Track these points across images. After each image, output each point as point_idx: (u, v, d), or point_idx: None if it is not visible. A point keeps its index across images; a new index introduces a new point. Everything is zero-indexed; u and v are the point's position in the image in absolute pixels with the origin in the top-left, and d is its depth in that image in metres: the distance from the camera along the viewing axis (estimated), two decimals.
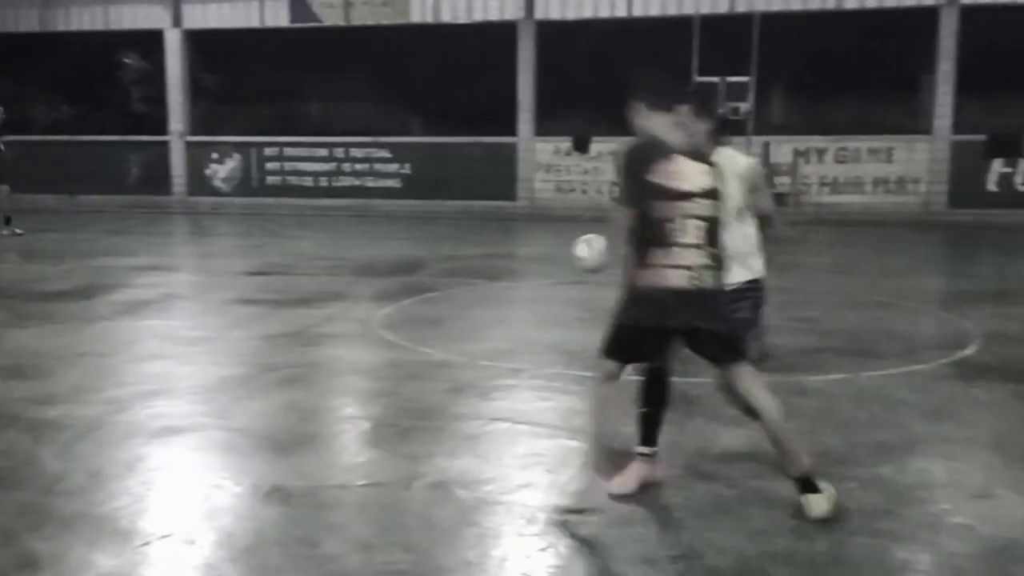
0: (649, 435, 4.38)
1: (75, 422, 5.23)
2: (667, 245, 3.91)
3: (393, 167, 17.08)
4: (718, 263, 4.00)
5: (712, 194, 4.01)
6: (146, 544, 3.79)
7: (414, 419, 5.24)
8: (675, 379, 4.41)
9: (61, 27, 19.13)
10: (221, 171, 18.03)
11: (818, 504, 3.93)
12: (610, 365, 4.07)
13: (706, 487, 4.33)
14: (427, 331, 7.46)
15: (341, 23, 17.45)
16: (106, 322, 7.97)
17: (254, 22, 17.97)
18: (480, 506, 4.15)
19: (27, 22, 19.28)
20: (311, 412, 5.47)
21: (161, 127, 18.77)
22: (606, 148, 13.77)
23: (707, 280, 3.94)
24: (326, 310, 7.97)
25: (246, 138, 18.04)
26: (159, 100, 18.78)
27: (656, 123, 4.08)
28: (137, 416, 5.38)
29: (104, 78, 19.01)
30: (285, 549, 3.73)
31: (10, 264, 11.27)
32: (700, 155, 4.07)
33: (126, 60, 19.06)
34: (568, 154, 16.27)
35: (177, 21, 18.44)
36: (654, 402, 4.37)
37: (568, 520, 3.92)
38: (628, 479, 4.27)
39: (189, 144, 18.56)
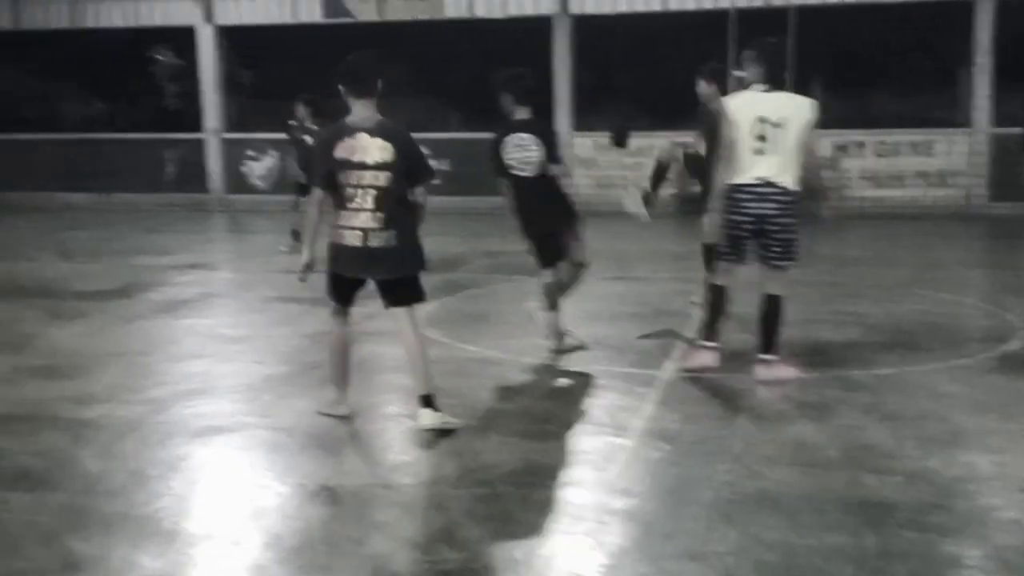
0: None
1: (115, 422, 5.21)
2: None
3: (432, 163, 17.07)
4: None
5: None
6: (190, 545, 3.75)
7: (459, 416, 5.17)
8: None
9: (92, 23, 19.24)
10: (257, 168, 18.08)
11: (429, 417, 4.89)
12: None
13: (753, 483, 4.25)
14: (470, 328, 7.39)
15: (375, 18, 17.43)
16: (144, 321, 7.96)
17: (287, 18, 17.98)
18: (527, 504, 4.09)
19: (57, 19, 19.41)
20: (356, 410, 5.41)
21: (196, 124, 18.84)
22: (646, 143, 13.60)
23: None
24: (367, 308, 7.88)
25: (283, 135, 18.04)
26: (193, 96, 18.85)
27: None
28: (178, 415, 5.35)
29: (137, 75, 19.12)
30: (332, 549, 3.68)
31: (47, 263, 11.33)
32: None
33: (159, 56, 19.16)
34: (608, 149, 16.14)
35: (209, 17, 18.50)
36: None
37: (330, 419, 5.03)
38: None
39: (225, 141, 18.61)
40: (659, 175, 7.49)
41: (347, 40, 17.88)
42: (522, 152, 6.30)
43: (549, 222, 6.41)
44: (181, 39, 18.80)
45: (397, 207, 4.90)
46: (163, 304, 8.60)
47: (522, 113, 6.39)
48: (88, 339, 7.23)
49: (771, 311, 5.80)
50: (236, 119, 18.53)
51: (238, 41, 18.59)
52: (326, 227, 5.04)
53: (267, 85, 19.21)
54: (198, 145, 18.88)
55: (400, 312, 5.07)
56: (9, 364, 6.43)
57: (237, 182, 18.50)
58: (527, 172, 6.32)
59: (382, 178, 4.82)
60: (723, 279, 5.99)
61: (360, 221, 4.86)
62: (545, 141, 6.33)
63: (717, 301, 6.03)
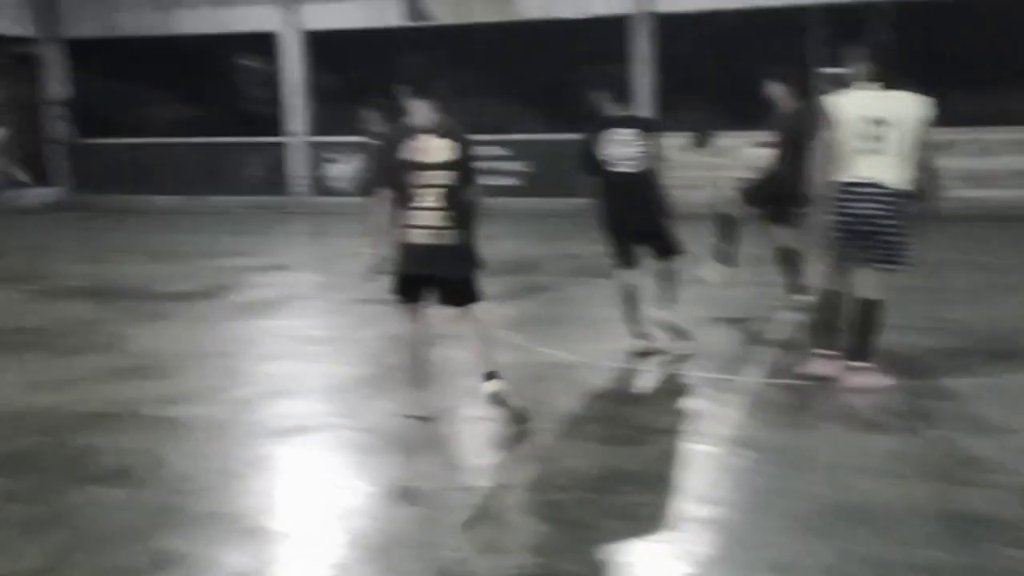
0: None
1: (202, 421, 5.31)
2: None
3: (513, 165, 17.07)
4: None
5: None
6: (275, 543, 3.80)
7: (539, 421, 5.13)
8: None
9: (178, 30, 19.71)
10: (340, 171, 18.30)
11: (493, 385, 5.18)
12: None
13: (843, 495, 4.13)
14: (549, 331, 7.34)
15: (454, 21, 17.52)
16: (230, 322, 8.10)
17: (369, 22, 18.19)
18: (608, 510, 4.03)
19: (146, 25, 19.95)
20: (437, 413, 5.41)
21: (279, 128, 19.18)
22: (730, 143, 13.38)
23: None
24: (448, 310, 7.91)
25: (362, 138, 18.22)
26: (277, 101, 19.18)
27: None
28: (264, 416, 5.42)
29: (226, 80, 19.51)
30: (415, 551, 3.69)
31: (137, 265, 11.62)
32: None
33: (245, 62, 19.52)
34: (693, 149, 15.94)
35: (294, 23, 18.82)
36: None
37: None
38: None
39: (308, 145, 18.91)
40: (728, 229, 7.40)
41: (428, 43, 18.05)
42: (623, 147, 6.20)
43: (643, 220, 6.32)
44: (264, 45, 19.15)
45: (460, 206, 5.02)
46: (247, 306, 8.74)
47: (619, 109, 6.31)
48: (175, 340, 7.37)
49: (867, 316, 5.59)
50: (318, 123, 18.78)
51: (321, 46, 18.85)
52: (395, 227, 5.10)
53: (349, 89, 19.43)
54: (282, 149, 19.22)
55: (460, 311, 5.23)
56: (101, 364, 6.59)
57: (320, 185, 18.74)
58: (628, 168, 6.22)
59: (446, 177, 4.95)
60: (834, 282, 5.74)
61: (426, 219, 4.97)
62: (651, 135, 6.24)
63: (830, 306, 5.77)
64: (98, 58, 20.38)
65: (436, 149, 4.96)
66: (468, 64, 17.68)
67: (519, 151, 17.13)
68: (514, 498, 4.22)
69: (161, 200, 19.35)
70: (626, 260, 6.40)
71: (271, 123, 19.30)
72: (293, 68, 19.00)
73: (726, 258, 7.52)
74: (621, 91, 6.40)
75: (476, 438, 5.08)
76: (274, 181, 19.19)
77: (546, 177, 16.56)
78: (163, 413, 5.45)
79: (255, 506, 4.18)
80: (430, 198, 4.95)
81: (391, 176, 5.05)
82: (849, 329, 5.70)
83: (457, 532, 3.87)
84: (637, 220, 6.32)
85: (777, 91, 7.19)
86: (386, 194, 5.09)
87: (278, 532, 3.90)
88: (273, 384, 6.06)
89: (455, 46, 17.72)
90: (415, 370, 5.30)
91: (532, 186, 17.08)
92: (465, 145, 5.04)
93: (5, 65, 20.45)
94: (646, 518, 3.96)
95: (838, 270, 5.72)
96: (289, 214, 17.70)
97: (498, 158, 17.04)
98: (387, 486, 4.35)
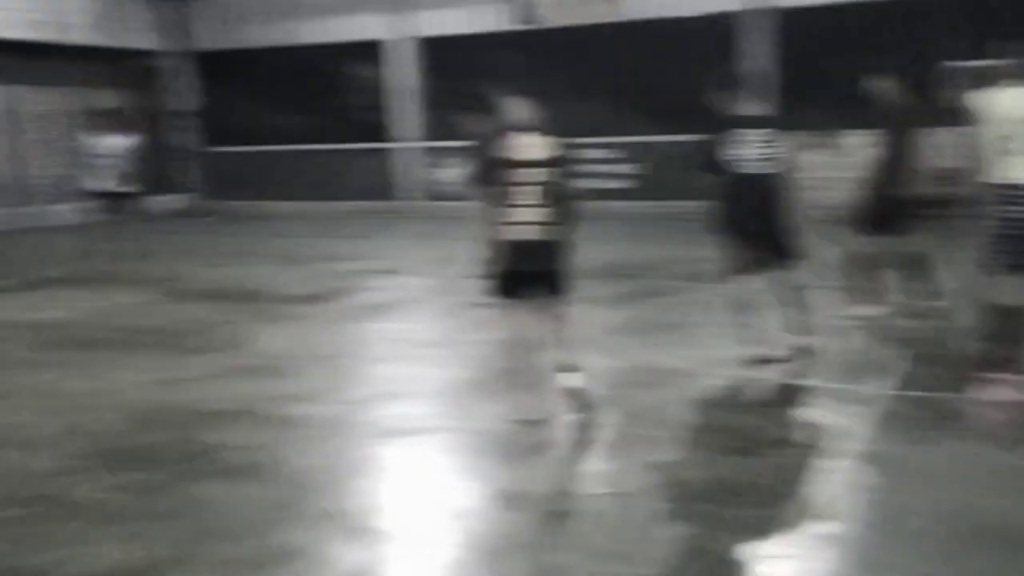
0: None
1: (319, 421, 5.42)
2: None
3: (625, 167, 16.97)
4: None
5: None
6: (388, 542, 3.85)
7: (652, 428, 5.07)
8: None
9: (294, 40, 20.27)
10: (450, 175, 18.50)
11: (572, 378, 5.30)
12: None
13: (976, 514, 3.93)
14: (661, 337, 7.25)
15: (566, 23, 17.50)
16: (345, 324, 8.27)
17: (477, 27, 18.34)
18: (724, 523, 3.93)
19: (262, 37, 20.57)
20: (549, 417, 5.40)
21: (392, 134, 19.52)
22: (854, 141, 12.91)
23: None
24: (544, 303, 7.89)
25: (470, 142, 18.35)
26: (386, 107, 19.52)
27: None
28: (377, 416, 5.51)
29: (343, 88, 19.94)
30: (525, 555, 3.68)
31: (259, 268, 11.96)
32: None
33: (358, 70, 19.92)
34: (816, 149, 15.51)
35: (405, 29, 19.13)
36: None
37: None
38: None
39: (416, 150, 19.19)
40: (871, 270, 7.13)
41: (538, 46, 18.06)
42: (753, 148, 5.94)
43: (769, 225, 6.06)
44: (375, 52, 19.52)
45: (558, 203, 5.14)
46: (362, 308, 8.90)
47: (749, 107, 6.13)
48: (294, 341, 7.56)
49: (1015, 324, 5.25)
50: (430, 128, 19.00)
51: (429, 52, 19.09)
52: (495, 225, 5.18)
53: (458, 94, 19.62)
54: (394, 154, 19.55)
55: (553, 301, 5.31)
56: (225, 363, 6.80)
57: (431, 189, 18.97)
58: (758, 169, 5.96)
59: (545, 174, 5.10)
60: (1006, 295, 5.32)
61: (528, 216, 5.10)
62: (783, 134, 5.99)
63: (1007, 322, 5.33)
64: (224, 69, 21.12)
65: (534, 147, 5.11)
66: (578, 67, 17.64)
67: (631, 153, 17.01)
68: (627, 506, 4.15)
69: (283, 205, 19.91)
70: (745, 265, 6.16)
71: (384, 129, 19.65)
72: (406, 74, 19.31)
73: (875, 294, 7.22)
74: (746, 89, 6.19)
75: (586, 444, 5.04)
76: (387, 186, 19.55)
77: (659, 179, 16.40)
78: (282, 412, 5.59)
79: (368, 505, 4.25)
80: (529, 195, 5.08)
81: (491, 175, 5.16)
82: (992, 338, 5.38)
83: (569, 538, 3.85)
84: (762, 224, 6.05)
85: (883, 86, 6.88)
86: (487, 193, 5.19)
87: (390, 532, 3.96)
88: (386, 386, 6.15)
89: (565, 49, 17.71)
90: (521, 373, 5.33)
91: (644, 189, 16.93)
92: (562, 144, 5.18)
93: (135, 78, 21.42)
94: (763, 532, 3.84)
95: (991, 276, 5.36)
96: (402, 218, 17.95)
97: (610, 161, 16.95)
98: (497, 489, 4.35)
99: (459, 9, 18.55)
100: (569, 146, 5.28)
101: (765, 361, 6.17)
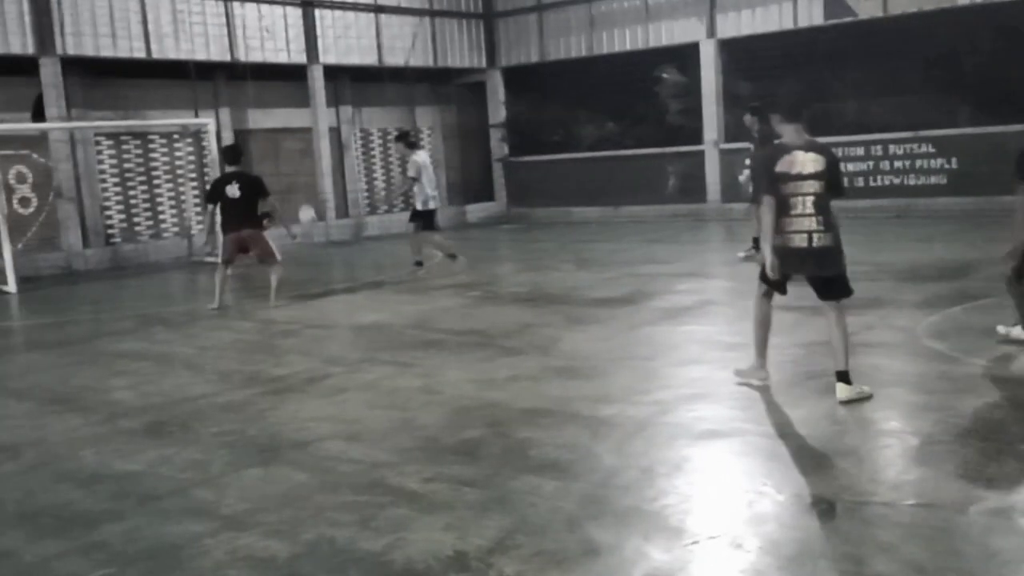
0: None
1: (626, 421, 5.65)
2: None
3: (937, 162, 15.99)
4: None
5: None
6: (695, 543, 3.94)
7: (968, 438, 4.86)
8: None
9: (605, 50, 20.79)
10: (746, 178, 18.27)
11: (844, 390, 5.63)
12: None
13: None
14: (978, 342, 6.86)
15: (878, 15, 16.76)
16: (650, 327, 8.49)
17: (787, 24, 17.97)
18: None
19: (576, 48, 21.26)
20: (853, 423, 5.33)
21: (696, 137, 19.52)
22: None
23: None
24: (864, 317, 7.68)
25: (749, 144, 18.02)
26: (695, 111, 19.53)
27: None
28: (682, 418, 5.66)
29: (643, 94, 20.19)
30: (831, 563, 3.67)
31: (568, 272, 12.49)
32: None
33: (664, 75, 20.10)
34: None
35: (711, 32, 19.08)
36: None
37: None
38: None
39: (723, 152, 19.08)
40: None
41: (848, 39, 17.39)
42: None
43: None
44: (684, 56, 19.58)
45: (829, 212, 5.69)
46: (665, 311, 9.08)
47: None
48: (601, 343, 7.88)
49: None
50: (731, 130, 18.85)
51: (738, 53, 18.91)
52: (774, 232, 5.76)
53: (759, 94, 19.30)
54: (699, 158, 19.57)
55: (831, 304, 5.79)
56: (537, 364, 7.24)
57: (733, 192, 18.87)
58: None
59: (817, 186, 5.67)
60: None
61: (804, 225, 5.68)
62: None
63: None
64: (528, 82, 22.11)
65: (807, 162, 5.69)
66: (888, 58, 16.81)
67: (944, 147, 15.98)
68: (939, 518, 4.03)
69: (589, 211, 20.54)
70: None
71: (688, 133, 19.70)
72: (709, 77, 19.28)
73: None
74: None
75: (896, 452, 4.92)
76: (689, 189, 19.61)
77: (974, 174, 15.28)
78: (593, 411, 5.87)
79: (676, 505, 4.36)
80: (804, 206, 5.66)
81: (769, 187, 5.79)
82: None
83: (878, 548, 3.77)
84: None
85: None
86: (767, 202, 5.77)
87: (697, 533, 4.04)
88: (690, 388, 6.30)
89: (874, 41, 16.93)
90: (760, 342, 6.14)
91: (958, 184, 15.84)
92: (830, 157, 5.75)
93: (455, 94, 23.00)
94: None
95: None
96: (704, 221, 17.95)
97: (920, 156, 16.02)
98: (802, 495, 4.35)
99: (765, 7, 18.29)
100: (836, 159, 5.85)
101: None
